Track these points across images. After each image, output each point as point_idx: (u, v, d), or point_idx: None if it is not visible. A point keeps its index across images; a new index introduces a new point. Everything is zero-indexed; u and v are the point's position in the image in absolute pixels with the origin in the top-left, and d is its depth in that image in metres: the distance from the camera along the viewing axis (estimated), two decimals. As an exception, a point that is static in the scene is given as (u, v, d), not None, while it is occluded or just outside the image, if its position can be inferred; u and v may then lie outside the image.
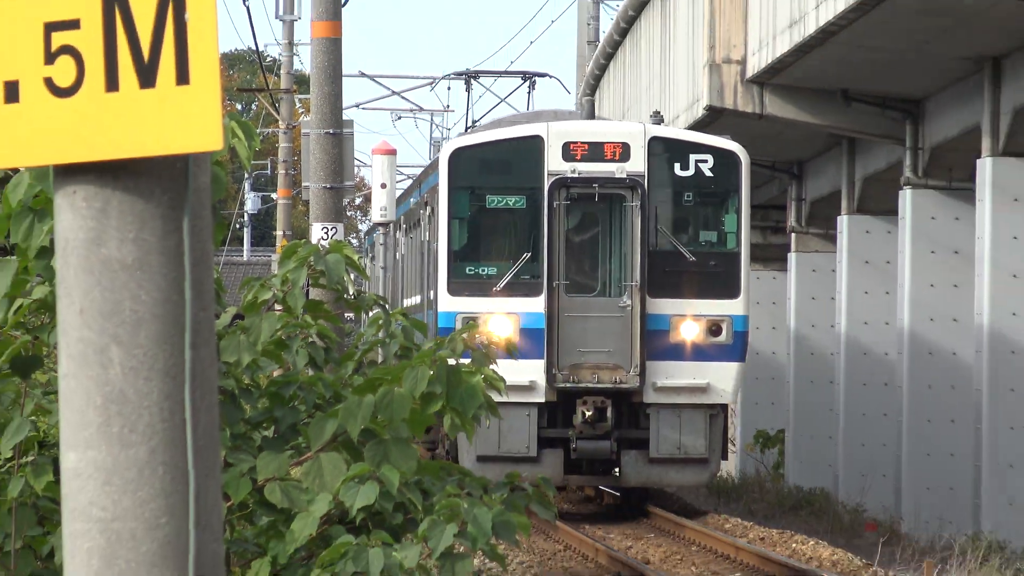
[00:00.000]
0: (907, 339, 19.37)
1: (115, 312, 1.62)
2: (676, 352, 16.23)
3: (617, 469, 16.08)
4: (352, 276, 4.02)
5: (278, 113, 25.22)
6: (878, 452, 20.38)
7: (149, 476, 1.63)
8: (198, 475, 1.60)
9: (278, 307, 3.90)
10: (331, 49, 13.59)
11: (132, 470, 1.63)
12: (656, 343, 16.08)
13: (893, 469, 19.66)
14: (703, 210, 16.92)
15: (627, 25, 27.63)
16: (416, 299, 19.83)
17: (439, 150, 25.63)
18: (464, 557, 3.54)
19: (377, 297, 4.37)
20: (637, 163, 16.46)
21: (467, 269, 16.59)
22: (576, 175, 16.43)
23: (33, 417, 3.44)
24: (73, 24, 1.61)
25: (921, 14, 15.82)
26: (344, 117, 14.82)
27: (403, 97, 32.72)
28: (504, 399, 15.91)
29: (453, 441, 16.04)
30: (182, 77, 1.58)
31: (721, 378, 16.28)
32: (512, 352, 5.13)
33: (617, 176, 16.48)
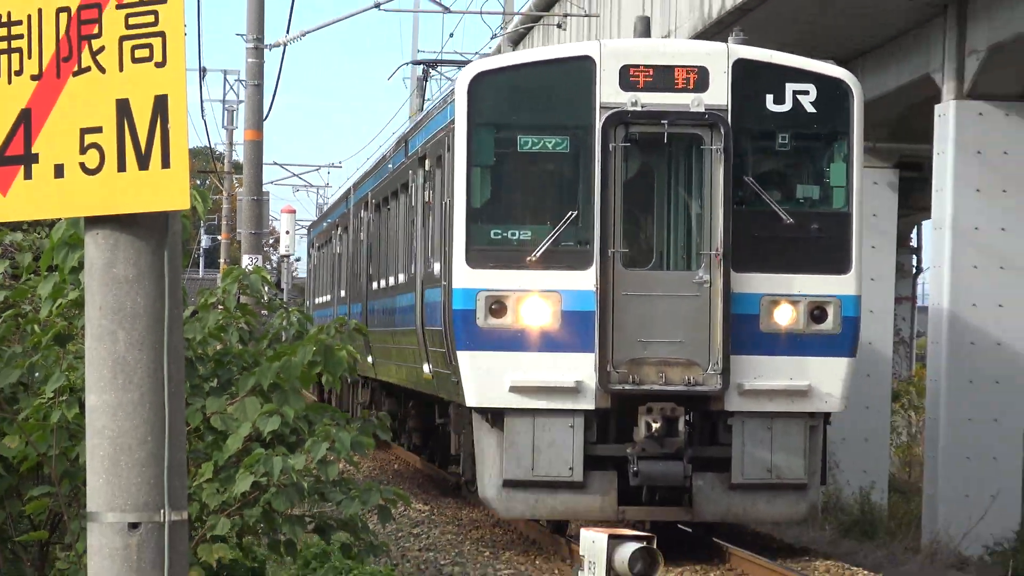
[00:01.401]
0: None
1: (120, 309, 2.86)
2: (768, 344, 12.65)
3: (687, 497, 12.52)
4: (265, 288, 6.89)
5: (222, 186, 40.16)
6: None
7: (140, 410, 2.84)
8: (171, 411, 2.83)
9: (220, 307, 6.45)
10: (255, 148, 21.51)
11: (129, 407, 2.86)
12: (743, 332, 12.50)
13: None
14: (803, 157, 13.45)
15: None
16: (392, 280, 17.80)
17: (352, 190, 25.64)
18: (333, 463, 5.89)
19: (281, 302, 7.79)
20: (718, 94, 12.47)
21: (492, 233, 12.89)
22: (638, 108, 12.52)
23: (67, 372, 5.59)
24: (98, 129, 2.91)
25: None
26: (264, 189, 23.88)
27: (300, 177, 53.61)
28: (539, 404, 12.26)
29: (473, 464, 13.13)
30: (165, 163, 2.81)
31: (826, 379, 12.62)
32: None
33: (692, 110, 12.53)
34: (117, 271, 3.04)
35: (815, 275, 12.71)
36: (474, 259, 12.33)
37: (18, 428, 5.69)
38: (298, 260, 41.67)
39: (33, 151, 3.13)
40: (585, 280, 12.31)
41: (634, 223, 13.05)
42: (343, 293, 24.20)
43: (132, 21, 3.02)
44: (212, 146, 34.19)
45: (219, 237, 27.73)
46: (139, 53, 3.02)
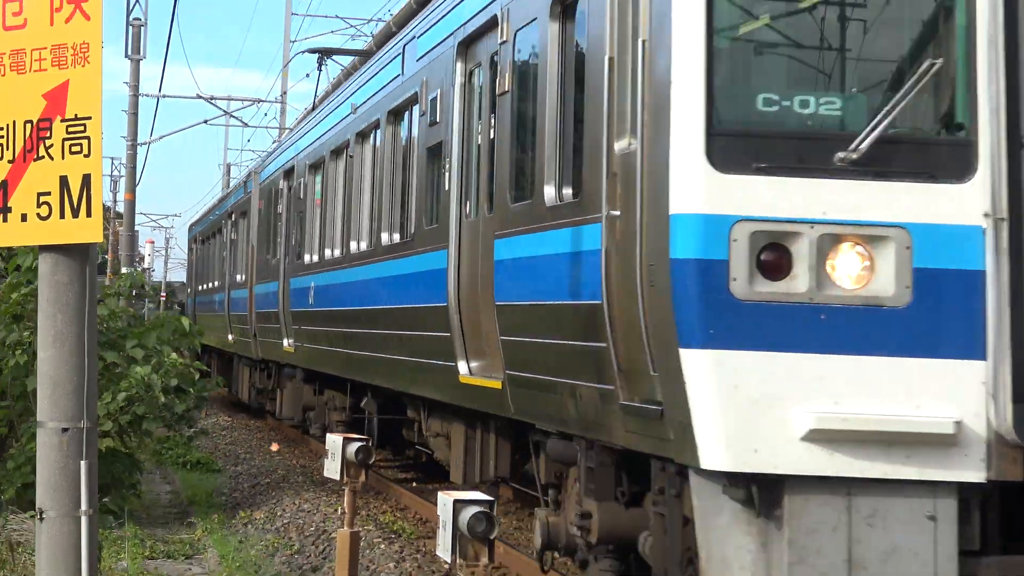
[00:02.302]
0: None
1: (59, 300, 4.89)
2: None
3: None
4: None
5: (110, 225, 51.22)
6: None
7: (70, 361, 4.91)
8: (88, 362, 4.89)
9: (121, 298, 10.91)
10: (130, 205, 31.00)
11: (64, 358, 4.98)
12: None
13: None
14: None
15: None
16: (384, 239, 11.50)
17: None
18: (171, 373, 10.90)
19: (154, 291, 11.50)
20: None
21: (760, 103, 5.97)
22: None
23: (26, 333, 9.48)
24: (48, 193, 5.04)
25: None
26: (135, 228, 34.87)
27: (155, 220, 75.22)
28: (866, 469, 5.39)
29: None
30: (88, 214, 5.01)
31: None
32: None
33: None
34: (58, 277, 5.13)
35: None
36: (724, 156, 5.79)
37: None
38: (153, 271, 60.51)
39: (8, 205, 5.22)
40: (962, 204, 5.92)
41: None
42: (240, 277, 23.23)
43: (70, 130, 5.10)
44: (110, 204, 52.22)
45: (107, 256, 39.92)
46: (74, 148, 5.10)
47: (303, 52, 28.36)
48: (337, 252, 13.91)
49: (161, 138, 36.81)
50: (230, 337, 22.97)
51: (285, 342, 16.78)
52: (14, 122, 5.11)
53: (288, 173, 18.04)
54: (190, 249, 37.27)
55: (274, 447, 18.44)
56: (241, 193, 23.68)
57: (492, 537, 5.61)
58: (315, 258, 15.06)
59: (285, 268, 17.20)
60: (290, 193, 17.90)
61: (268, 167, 21.07)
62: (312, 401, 17.27)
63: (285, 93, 44.02)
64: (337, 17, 48.33)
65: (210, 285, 27.81)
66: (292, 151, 18.22)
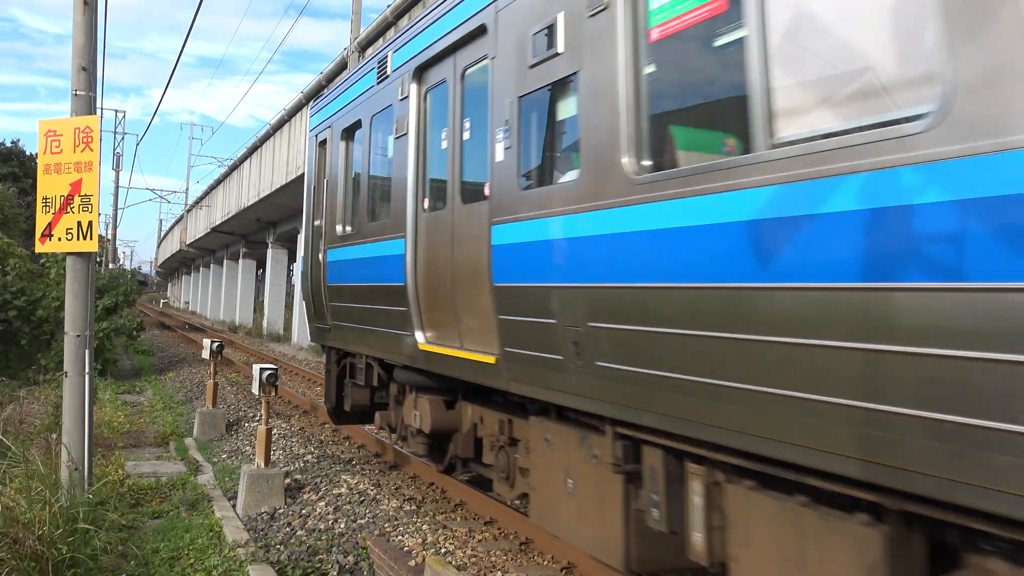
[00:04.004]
0: None
1: (75, 275, 11.02)
2: None
3: None
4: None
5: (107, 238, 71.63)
6: None
7: (80, 304, 10.66)
8: (89, 305, 10.73)
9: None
10: (114, 238, 62.78)
11: (78, 307, 10.85)
12: None
13: None
14: None
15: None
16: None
17: None
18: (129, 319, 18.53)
19: (131, 274, 30.84)
20: None
21: None
22: None
23: (60, 289, 16.91)
24: (71, 227, 11.00)
25: None
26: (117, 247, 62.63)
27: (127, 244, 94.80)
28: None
29: None
30: (90, 237, 11.05)
31: None
32: None
33: None
34: (75, 265, 10.86)
35: None
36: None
37: (43, 306, 20.76)
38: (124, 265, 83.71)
39: (53, 233, 10.83)
40: None
41: None
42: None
43: (82, 201, 10.75)
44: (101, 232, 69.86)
45: (101, 258, 57.38)
46: (84, 207, 10.68)
47: None
48: None
49: (128, 206, 77.22)
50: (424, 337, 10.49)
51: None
52: (57, 195, 10.69)
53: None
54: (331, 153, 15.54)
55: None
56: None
57: (275, 383, 11.73)
58: None
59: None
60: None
61: None
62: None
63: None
64: None
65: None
66: None
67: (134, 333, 28.32)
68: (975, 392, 3.65)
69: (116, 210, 63.86)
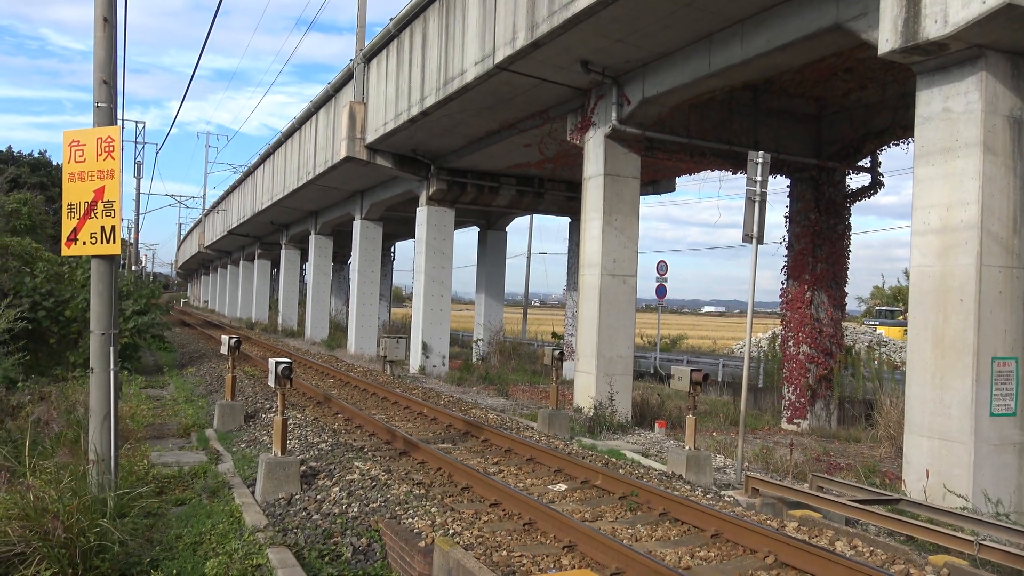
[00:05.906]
0: None
1: (101, 279, 10.85)
2: None
3: None
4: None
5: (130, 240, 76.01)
6: None
7: (104, 302, 10.75)
8: (113, 304, 10.87)
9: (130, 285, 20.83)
10: (136, 242, 72.64)
11: (103, 304, 11.30)
12: None
13: None
14: None
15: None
16: None
17: None
18: (152, 317, 18.59)
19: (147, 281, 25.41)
20: None
21: None
22: None
23: (85, 291, 17.47)
24: (95, 232, 11.25)
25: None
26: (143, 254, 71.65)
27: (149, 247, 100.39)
28: None
29: None
30: (113, 241, 11.09)
31: None
32: None
33: None
34: (99, 268, 11.03)
35: None
36: None
37: (72, 307, 21.37)
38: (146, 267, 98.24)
39: (78, 237, 11.04)
40: None
41: None
42: None
43: (105, 207, 10.93)
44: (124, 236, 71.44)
45: (124, 261, 60.44)
46: (107, 213, 10.88)
47: None
48: None
49: (149, 212, 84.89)
50: None
51: None
52: (81, 202, 10.89)
53: None
54: None
55: None
56: None
57: (290, 376, 11.89)
58: None
59: None
60: None
61: None
62: None
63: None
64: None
65: None
66: None
67: (163, 334, 31.65)
68: None
69: (138, 215, 69.25)
